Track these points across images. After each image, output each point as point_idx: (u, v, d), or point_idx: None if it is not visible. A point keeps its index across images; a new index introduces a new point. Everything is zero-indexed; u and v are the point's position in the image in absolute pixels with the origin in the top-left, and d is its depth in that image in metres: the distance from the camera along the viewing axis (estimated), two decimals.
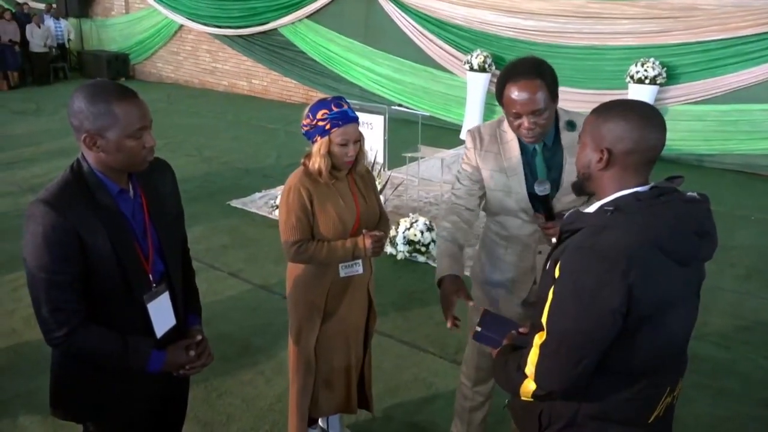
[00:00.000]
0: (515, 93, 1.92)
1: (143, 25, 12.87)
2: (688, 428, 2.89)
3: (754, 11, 6.81)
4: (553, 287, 1.38)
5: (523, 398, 1.50)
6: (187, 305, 1.87)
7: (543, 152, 2.08)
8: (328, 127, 2.13)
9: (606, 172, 1.41)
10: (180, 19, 12.01)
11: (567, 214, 1.47)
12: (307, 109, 2.19)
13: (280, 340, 3.47)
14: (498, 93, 2.00)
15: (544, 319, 1.40)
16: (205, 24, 11.65)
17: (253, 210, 5.73)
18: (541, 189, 1.99)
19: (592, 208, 1.43)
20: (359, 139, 2.21)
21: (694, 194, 1.40)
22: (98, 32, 13.64)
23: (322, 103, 2.16)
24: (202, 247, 4.86)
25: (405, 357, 3.47)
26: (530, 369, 1.43)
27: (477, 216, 2.26)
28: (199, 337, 1.79)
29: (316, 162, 2.18)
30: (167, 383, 1.82)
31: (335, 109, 2.13)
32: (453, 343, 3.61)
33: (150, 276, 1.67)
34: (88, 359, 1.61)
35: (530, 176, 2.08)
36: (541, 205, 2.03)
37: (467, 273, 2.31)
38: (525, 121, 1.94)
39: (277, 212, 5.22)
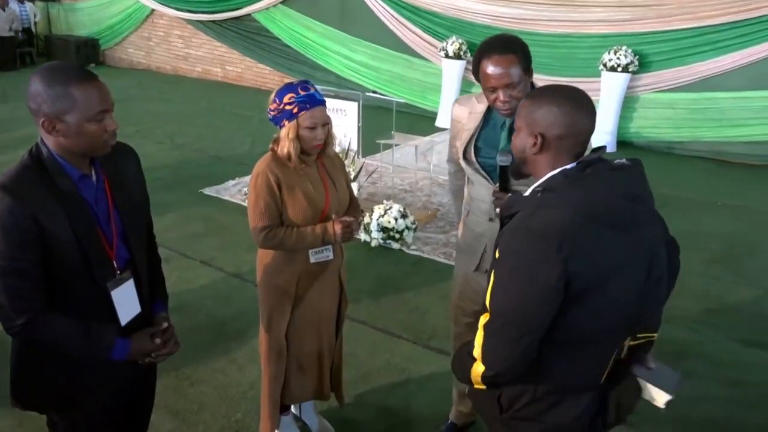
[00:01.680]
0: (490, 68, 2.01)
1: (113, 10, 12.57)
2: (656, 408, 2.94)
3: (723, 0, 6.90)
4: (493, 269, 1.43)
5: (475, 386, 1.53)
6: (153, 293, 1.83)
7: (510, 127, 2.13)
8: (295, 110, 2.11)
9: (540, 155, 1.47)
10: (151, 4, 11.76)
11: (506, 198, 1.53)
12: (273, 94, 2.16)
13: (253, 327, 3.44)
14: (474, 69, 2.10)
15: (487, 301, 1.44)
16: (178, 9, 11.42)
17: (227, 198, 5.67)
18: (502, 159, 2.04)
19: (527, 192, 1.49)
20: (328, 122, 2.19)
21: (623, 161, 1.45)
22: (66, 16, 13.29)
23: (288, 87, 2.14)
24: (174, 235, 4.80)
25: (378, 343, 3.48)
26: (477, 351, 1.47)
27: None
28: (165, 325, 1.76)
29: (285, 146, 2.16)
30: (133, 372, 1.79)
31: (302, 93, 2.11)
32: (426, 329, 3.63)
33: (114, 263, 1.64)
34: (50, 348, 1.58)
35: (492, 149, 2.16)
36: (500, 175, 2.09)
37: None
38: (500, 95, 2.03)
39: None
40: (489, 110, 2.19)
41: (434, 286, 4.14)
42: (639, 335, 1.55)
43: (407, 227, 4.65)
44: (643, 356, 1.61)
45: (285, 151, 2.17)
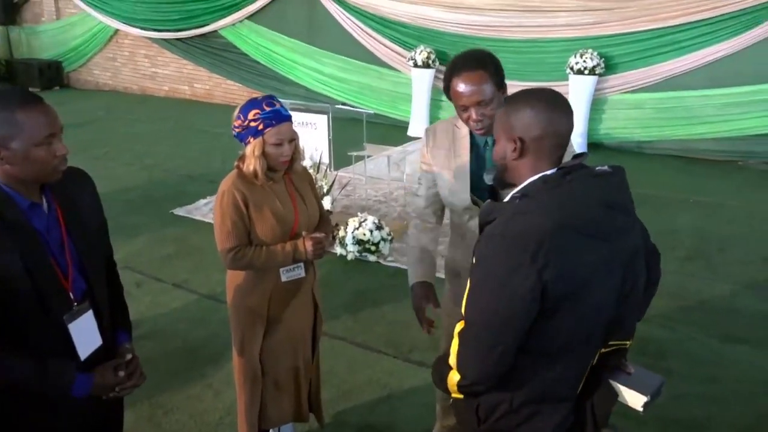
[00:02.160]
0: (460, 86, 1.94)
1: (76, 31, 12.34)
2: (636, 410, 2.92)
3: (682, 1, 7.04)
4: (470, 277, 1.41)
5: (453, 395, 1.52)
6: (115, 323, 1.75)
7: (493, 144, 2.06)
8: (261, 127, 2.06)
9: (521, 160, 1.44)
10: (115, 24, 11.58)
11: (482, 206, 1.49)
12: (237, 110, 2.11)
13: (229, 350, 3.31)
14: (445, 88, 2.02)
15: (463, 308, 1.42)
16: (142, 28, 11.26)
17: (198, 218, 5.56)
18: (489, 178, 1.96)
19: (506, 198, 1.47)
20: (294, 138, 2.14)
21: (605, 167, 1.43)
22: (28, 40, 13.01)
23: (253, 103, 2.08)
24: (145, 258, 4.68)
25: (358, 359, 3.41)
26: (453, 359, 1.45)
27: (442, 217, 2.31)
28: (129, 356, 1.68)
29: (251, 164, 2.10)
30: (98, 408, 1.70)
31: (267, 109, 2.06)
32: (407, 342, 3.58)
33: (71, 294, 1.56)
34: (5, 388, 1.49)
35: (480, 170, 2.06)
36: (489, 194, 2.02)
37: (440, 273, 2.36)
38: (473, 113, 1.96)
39: None
40: (472, 136, 2.10)
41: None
42: (611, 342, 1.53)
43: (383, 239, 4.61)
44: (621, 362, 1.59)
45: (251, 168, 2.11)
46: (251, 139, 2.09)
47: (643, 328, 3.68)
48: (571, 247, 1.33)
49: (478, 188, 2.09)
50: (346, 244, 4.58)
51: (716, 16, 6.95)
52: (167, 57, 11.47)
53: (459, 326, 1.44)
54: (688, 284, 4.31)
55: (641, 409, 1.56)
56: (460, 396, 1.52)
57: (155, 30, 11.13)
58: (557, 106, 1.43)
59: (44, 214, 1.54)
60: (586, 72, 7.48)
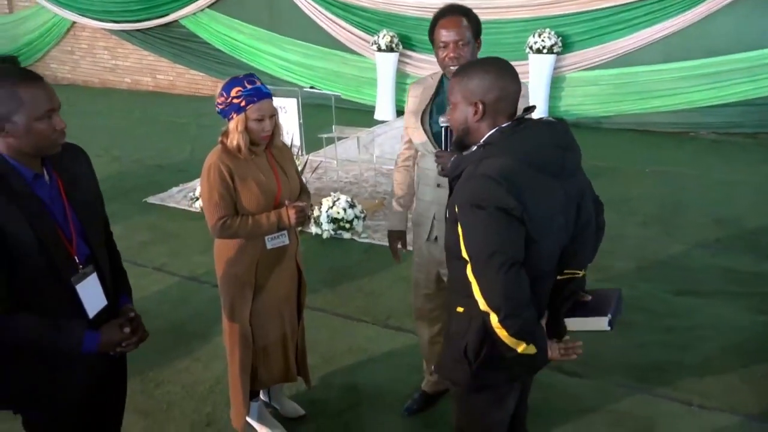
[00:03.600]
0: (443, 22, 2.27)
1: (30, 25, 12.06)
2: (601, 357, 3.15)
3: None
4: (459, 224, 1.55)
5: (506, 340, 1.53)
6: (116, 286, 1.87)
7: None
8: (243, 104, 2.18)
9: (482, 122, 1.62)
10: (71, 16, 11.37)
11: (451, 159, 1.69)
12: (220, 88, 2.23)
13: (214, 326, 3.46)
14: (430, 32, 2.32)
15: (464, 253, 1.55)
16: (100, 20, 11.10)
17: (172, 205, 5.61)
18: (443, 120, 2.16)
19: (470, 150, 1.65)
20: (274, 114, 2.27)
21: (551, 118, 1.65)
22: None
23: (235, 81, 2.20)
24: (122, 245, 4.55)
25: (339, 329, 3.57)
26: (482, 302, 1.53)
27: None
28: (132, 314, 1.80)
29: (235, 138, 2.22)
30: (105, 367, 1.82)
31: (248, 86, 2.19)
32: (383, 310, 3.75)
33: (76, 258, 1.67)
34: (19, 346, 1.60)
35: (438, 114, 2.33)
36: (444, 136, 2.22)
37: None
38: (450, 50, 2.25)
39: (198, 204, 5.15)
40: (441, 82, 2.39)
41: (387, 270, 4.26)
42: (566, 271, 1.71)
43: (356, 216, 4.75)
44: (578, 294, 1.76)
45: (234, 143, 2.23)
46: (234, 115, 2.21)
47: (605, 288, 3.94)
48: (534, 182, 1.52)
49: (432, 129, 2.39)
50: (321, 223, 4.72)
51: None
52: (127, 48, 11.32)
53: (468, 269, 1.54)
54: (646, 246, 4.59)
55: (609, 328, 1.69)
56: (513, 340, 1.53)
57: (114, 21, 10.97)
58: (506, 70, 1.64)
59: (46, 185, 1.64)
60: (545, 51, 7.72)
